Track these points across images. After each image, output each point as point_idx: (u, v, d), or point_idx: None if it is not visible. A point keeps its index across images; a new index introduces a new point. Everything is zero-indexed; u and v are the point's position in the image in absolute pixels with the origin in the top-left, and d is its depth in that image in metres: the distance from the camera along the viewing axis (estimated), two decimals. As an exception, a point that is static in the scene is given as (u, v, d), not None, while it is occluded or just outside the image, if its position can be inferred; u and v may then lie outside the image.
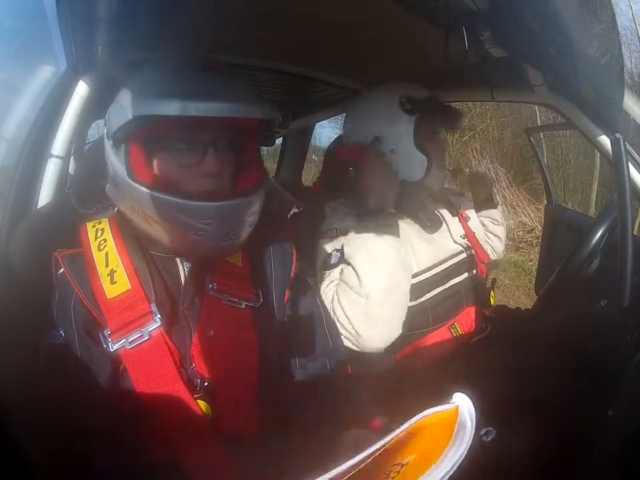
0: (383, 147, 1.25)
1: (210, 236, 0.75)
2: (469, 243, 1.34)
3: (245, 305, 0.82)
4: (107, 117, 0.80)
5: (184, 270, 0.83)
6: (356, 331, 1.03)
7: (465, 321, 1.28)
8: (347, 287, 1.06)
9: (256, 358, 0.80)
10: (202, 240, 0.75)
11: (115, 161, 0.77)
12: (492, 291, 1.41)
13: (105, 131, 0.80)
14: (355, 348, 1.06)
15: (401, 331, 1.08)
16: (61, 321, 0.76)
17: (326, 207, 1.24)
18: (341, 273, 1.10)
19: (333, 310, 1.06)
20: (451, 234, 1.32)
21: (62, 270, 0.78)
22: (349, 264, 1.08)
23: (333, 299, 1.07)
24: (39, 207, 0.99)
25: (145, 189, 0.73)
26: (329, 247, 1.16)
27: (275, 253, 0.93)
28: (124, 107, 0.74)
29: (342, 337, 1.02)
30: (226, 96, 0.72)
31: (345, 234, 1.14)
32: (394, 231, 1.11)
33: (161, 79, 0.76)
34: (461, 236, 1.33)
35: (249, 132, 0.82)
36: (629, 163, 0.93)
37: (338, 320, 1.04)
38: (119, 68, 1.11)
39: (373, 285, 1.03)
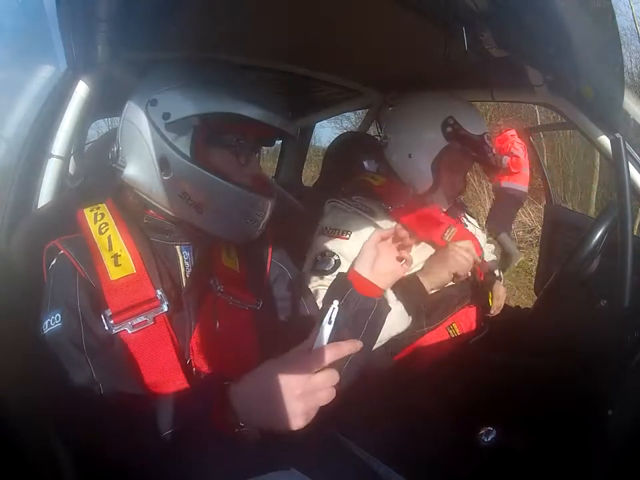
0: (403, 147, 1.25)
1: (256, 225, 0.85)
2: None
3: (248, 308, 0.84)
4: (159, 98, 0.79)
5: (183, 259, 0.84)
6: None
7: (464, 321, 1.27)
8: None
9: (256, 358, 0.80)
10: (251, 227, 0.85)
11: (172, 145, 0.78)
12: (490, 293, 1.40)
13: (151, 111, 0.79)
14: None
15: None
16: (58, 304, 0.73)
17: (327, 205, 1.24)
18: None
19: None
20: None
21: (61, 252, 0.77)
22: None
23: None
24: (39, 206, 0.99)
25: (217, 178, 0.79)
26: (325, 247, 1.15)
27: (272, 255, 0.94)
28: (200, 99, 0.77)
29: None
30: (283, 110, 0.82)
31: (348, 237, 1.13)
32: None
33: (244, 83, 0.84)
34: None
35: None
36: (629, 163, 0.93)
37: None
38: (119, 68, 1.12)
39: None
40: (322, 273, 1.11)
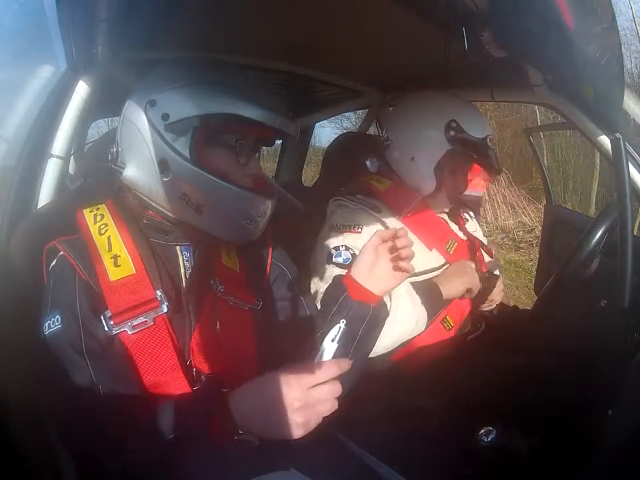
0: (406, 150, 1.25)
1: (256, 225, 0.85)
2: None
3: (248, 308, 0.84)
4: (159, 99, 0.78)
5: (183, 260, 0.84)
6: None
7: (456, 311, 1.26)
8: None
9: (256, 358, 0.81)
10: (251, 228, 0.85)
11: (171, 146, 0.78)
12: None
13: (150, 112, 0.78)
14: None
15: None
16: (58, 305, 0.73)
17: (333, 203, 1.25)
18: None
19: None
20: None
21: (61, 253, 0.77)
22: None
23: None
24: (39, 206, 0.99)
25: (217, 179, 0.78)
26: (338, 241, 1.15)
27: (272, 255, 0.94)
28: (200, 99, 0.77)
29: None
30: (283, 110, 0.82)
31: (360, 231, 1.15)
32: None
33: (244, 84, 0.82)
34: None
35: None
36: (629, 163, 0.93)
37: None
38: (119, 68, 1.12)
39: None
40: (339, 266, 1.13)
